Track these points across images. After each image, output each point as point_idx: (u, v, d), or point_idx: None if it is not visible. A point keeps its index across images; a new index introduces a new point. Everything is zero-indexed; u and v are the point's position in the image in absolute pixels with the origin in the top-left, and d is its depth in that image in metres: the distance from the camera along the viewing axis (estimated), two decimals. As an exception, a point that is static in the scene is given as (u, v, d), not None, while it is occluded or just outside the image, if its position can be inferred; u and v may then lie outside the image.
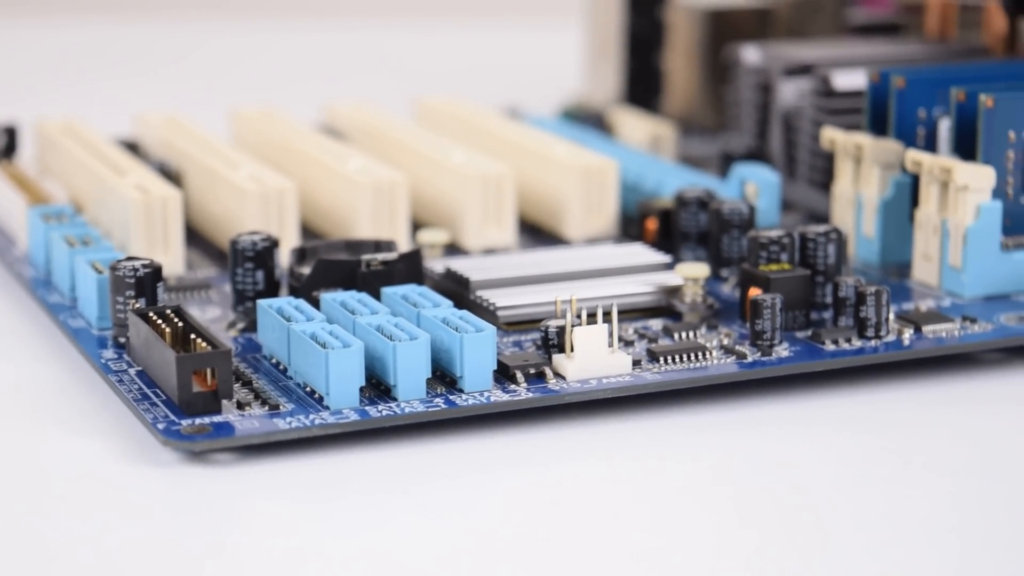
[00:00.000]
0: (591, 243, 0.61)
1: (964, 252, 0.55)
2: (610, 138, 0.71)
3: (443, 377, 0.49)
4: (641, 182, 0.64)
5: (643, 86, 0.79)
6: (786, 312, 0.52)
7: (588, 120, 0.73)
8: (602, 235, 0.62)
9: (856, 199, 0.60)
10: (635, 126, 0.72)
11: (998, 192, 0.56)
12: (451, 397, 0.48)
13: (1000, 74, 0.59)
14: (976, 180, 0.55)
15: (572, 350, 0.49)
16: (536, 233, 0.63)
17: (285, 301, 0.50)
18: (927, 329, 0.52)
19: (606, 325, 0.49)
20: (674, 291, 0.54)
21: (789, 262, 0.54)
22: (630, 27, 0.78)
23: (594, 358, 0.49)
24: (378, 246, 0.56)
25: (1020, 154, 0.56)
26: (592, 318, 0.50)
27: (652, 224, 0.60)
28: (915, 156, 0.57)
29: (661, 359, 0.50)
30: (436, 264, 0.56)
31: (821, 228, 0.54)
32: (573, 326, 0.49)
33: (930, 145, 0.59)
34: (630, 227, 0.63)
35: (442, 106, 0.71)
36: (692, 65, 0.78)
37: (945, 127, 0.58)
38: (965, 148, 0.56)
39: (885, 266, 0.59)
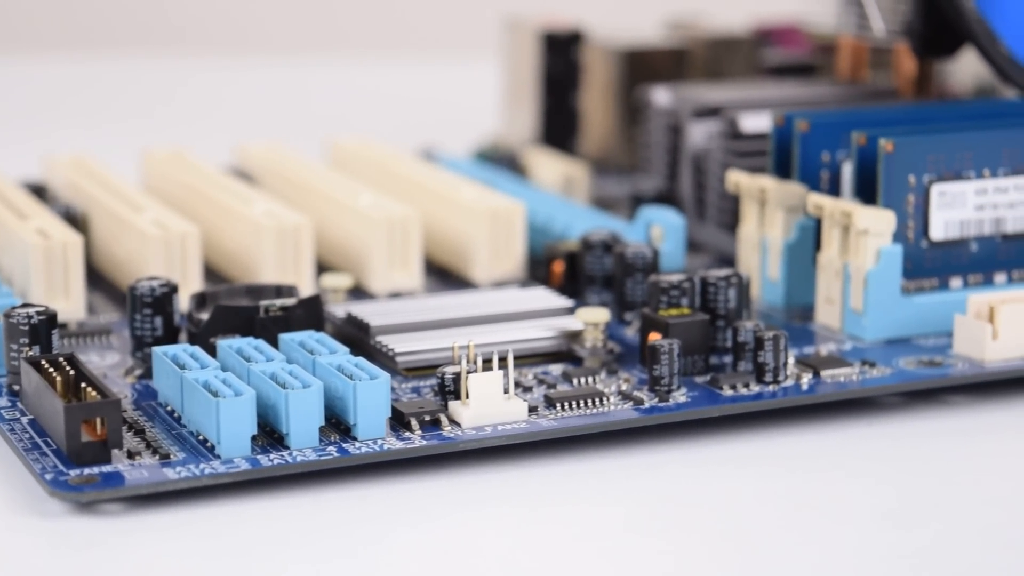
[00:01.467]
0: (498, 287, 0.61)
1: (865, 296, 0.55)
2: (523, 179, 0.71)
3: (339, 425, 0.48)
4: (550, 224, 0.63)
5: (560, 127, 0.79)
6: (685, 357, 0.52)
7: (502, 161, 0.73)
8: (509, 278, 0.62)
9: (761, 242, 0.60)
10: (548, 167, 0.72)
11: (899, 236, 0.56)
12: (344, 445, 0.47)
13: (905, 117, 0.60)
14: (876, 224, 0.55)
15: (467, 397, 0.49)
16: (444, 276, 0.63)
17: (181, 348, 0.50)
18: (826, 374, 0.52)
19: (502, 371, 0.49)
20: (575, 336, 0.54)
21: (689, 306, 0.54)
22: (546, 67, 0.78)
23: (489, 405, 0.49)
24: (279, 291, 0.55)
25: (920, 198, 0.56)
26: (488, 364, 0.49)
27: (559, 267, 0.60)
28: (817, 200, 0.57)
29: (558, 405, 0.50)
30: (338, 309, 0.56)
31: (722, 272, 0.54)
32: (468, 372, 0.49)
33: (834, 188, 0.59)
34: (538, 270, 0.62)
35: (355, 148, 0.71)
36: (608, 106, 0.78)
37: (848, 171, 0.58)
38: (867, 192, 0.57)
39: (790, 309, 0.59)
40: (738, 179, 0.60)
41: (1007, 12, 0.65)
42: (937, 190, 0.56)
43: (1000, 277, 0.58)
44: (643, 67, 0.78)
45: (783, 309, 0.59)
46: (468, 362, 0.49)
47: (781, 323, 0.58)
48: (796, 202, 0.59)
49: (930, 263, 0.57)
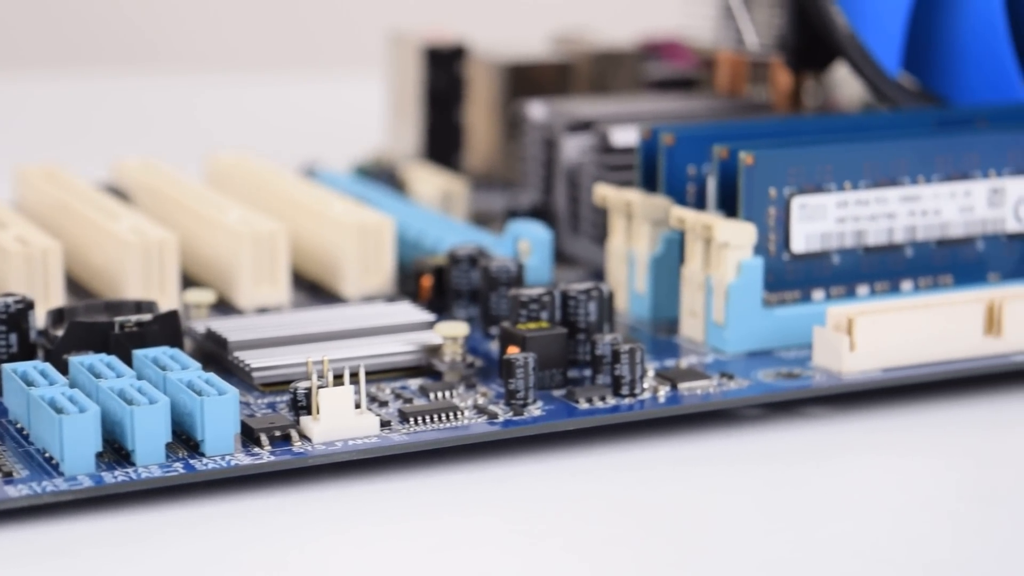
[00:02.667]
0: (367, 301, 0.61)
1: (726, 308, 0.55)
2: (401, 194, 0.71)
3: (189, 441, 0.48)
4: (422, 239, 0.63)
5: (443, 141, 0.79)
6: (542, 371, 0.52)
7: (381, 176, 0.73)
8: (379, 293, 0.62)
9: (628, 255, 0.60)
10: (427, 182, 0.71)
11: (760, 248, 0.56)
12: (191, 461, 0.47)
13: (771, 130, 0.60)
14: (737, 237, 0.55)
15: (318, 412, 0.48)
16: (315, 291, 0.63)
17: (31, 365, 0.50)
18: (683, 386, 0.53)
19: (354, 386, 0.49)
20: (434, 350, 0.54)
21: (549, 320, 0.54)
22: (429, 82, 0.78)
23: (340, 420, 0.49)
24: (139, 307, 0.55)
25: (781, 211, 0.56)
26: (340, 379, 0.49)
27: (427, 281, 0.60)
28: (679, 213, 0.57)
29: (411, 419, 0.50)
30: (199, 324, 0.55)
31: (582, 286, 0.54)
32: (319, 387, 0.49)
33: (700, 202, 0.59)
34: (408, 285, 0.62)
35: (232, 163, 0.71)
36: (492, 120, 0.78)
37: (712, 184, 0.58)
38: (729, 205, 0.57)
39: (656, 322, 0.59)
40: (605, 193, 0.60)
41: (878, 25, 0.65)
42: (798, 203, 0.56)
43: (862, 289, 0.58)
44: (527, 82, 0.78)
45: (650, 322, 0.59)
46: (319, 377, 0.49)
47: (648, 336, 0.58)
48: (661, 215, 0.59)
49: (792, 276, 0.57)
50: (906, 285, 0.58)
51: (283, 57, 1.31)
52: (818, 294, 0.57)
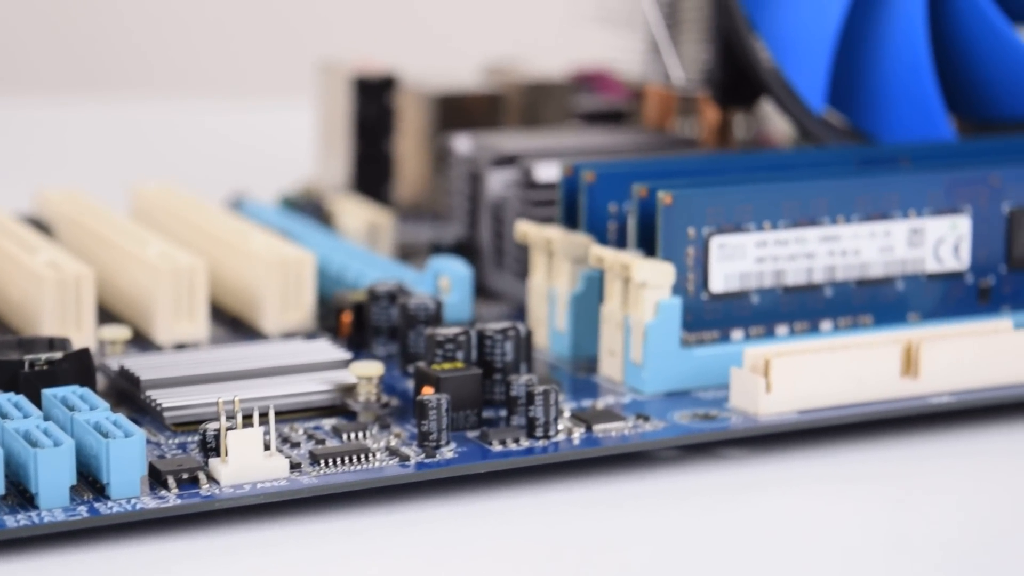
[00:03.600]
0: (287, 337, 0.60)
1: (644, 348, 0.55)
2: (326, 227, 0.71)
3: (95, 483, 0.48)
4: (344, 274, 0.63)
5: (373, 173, 0.78)
6: (456, 412, 0.52)
7: (308, 208, 0.73)
8: (300, 329, 0.61)
9: (549, 293, 0.59)
10: (354, 214, 0.71)
11: (679, 288, 0.56)
12: (96, 505, 0.46)
13: (694, 168, 0.60)
14: (655, 277, 0.55)
15: (226, 454, 0.48)
16: (236, 326, 0.62)
17: (-63, 404, 0.49)
18: (598, 428, 0.52)
19: (263, 427, 0.48)
20: (349, 390, 0.54)
21: (465, 360, 0.53)
22: (358, 112, 0.77)
23: (249, 462, 0.48)
24: (51, 344, 0.54)
25: (700, 250, 0.56)
26: (249, 420, 0.49)
27: (347, 318, 0.60)
28: (598, 252, 0.57)
29: (322, 462, 0.49)
30: (113, 362, 0.55)
31: (498, 325, 0.54)
32: (228, 429, 0.48)
33: (621, 240, 0.59)
34: (330, 320, 0.62)
35: (156, 195, 0.70)
36: (422, 152, 0.78)
37: (632, 222, 0.58)
38: (649, 244, 0.57)
39: (577, 361, 0.59)
40: (526, 230, 0.60)
41: (802, 62, 0.65)
42: (717, 243, 0.56)
43: (782, 329, 0.58)
44: (457, 113, 0.78)
45: (570, 360, 0.59)
46: (229, 418, 0.49)
47: (567, 375, 0.58)
48: (582, 253, 0.58)
49: (711, 315, 0.57)
50: (826, 325, 0.58)
51: (215, 85, 1.30)
52: (737, 334, 0.57)
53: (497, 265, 0.67)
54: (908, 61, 0.66)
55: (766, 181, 0.57)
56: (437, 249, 0.67)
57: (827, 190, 0.57)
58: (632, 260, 0.55)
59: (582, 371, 0.58)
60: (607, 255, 0.56)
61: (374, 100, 0.78)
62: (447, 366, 0.53)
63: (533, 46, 0.96)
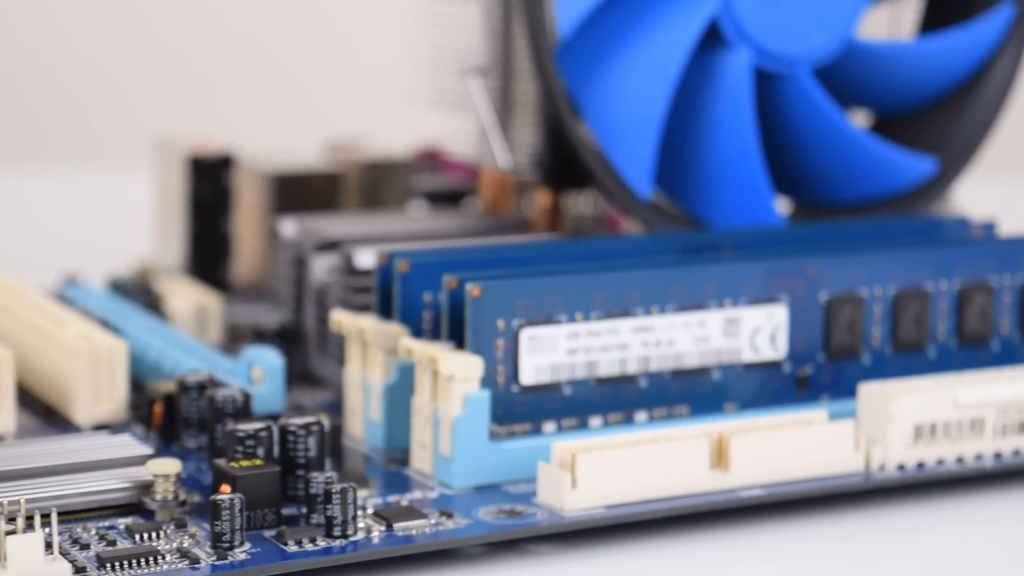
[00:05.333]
0: (96, 430, 0.59)
1: (453, 442, 0.55)
2: (154, 311, 0.69)
3: None
4: (161, 362, 0.62)
5: (210, 253, 0.77)
6: (254, 511, 0.51)
7: (137, 291, 0.71)
8: (112, 420, 0.60)
9: (364, 382, 0.59)
10: (183, 297, 0.70)
11: (488, 381, 0.55)
12: None
13: (510, 257, 0.59)
14: (463, 370, 0.54)
15: (5, 559, 0.47)
16: (50, 416, 0.61)
17: None
18: (399, 526, 0.51)
19: (46, 529, 0.47)
20: (146, 487, 0.52)
21: (266, 456, 0.52)
22: (194, 191, 0.76)
23: (29, 567, 0.47)
24: None
25: (510, 342, 0.56)
26: (30, 521, 0.48)
27: (158, 409, 0.59)
28: (407, 344, 0.56)
29: (108, 565, 0.48)
30: (-96, 459, 0.53)
31: (301, 420, 0.53)
32: (7, 532, 0.47)
33: (437, 330, 0.58)
34: (145, 411, 0.61)
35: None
36: (259, 232, 0.77)
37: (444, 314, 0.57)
38: (459, 335, 0.56)
39: (390, 453, 0.58)
40: (340, 319, 0.59)
41: (628, 146, 0.65)
42: (527, 334, 0.56)
43: (595, 421, 0.57)
44: (296, 192, 0.77)
45: (384, 452, 0.58)
46: (10, 520, 0.47)
47: (380, 468, 0.57)
48: (395, 343, 0.58)
49: (522, 408, 0.56)
50: (640, 416, 0.58)
51: (57, 156, 1.28)
52: (549, 426, 0.57)
53: (322, 351, 0.66)
54: (736, 146, 0.66)
55: (577, 272, 0.57)
56: (259, 335, 0.66)
57: (640, 280, 0.57)
58: (440, 352, 0.55)
59: (395, 463, 0.57)
60: (416, 347, 0.56)
61: (210, 179, 0.77)
62: (245, 463, 0.52)
63: (379, 125, 0.96)
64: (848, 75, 0.69)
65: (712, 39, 0.65)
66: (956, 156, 0.70)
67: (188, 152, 0.76)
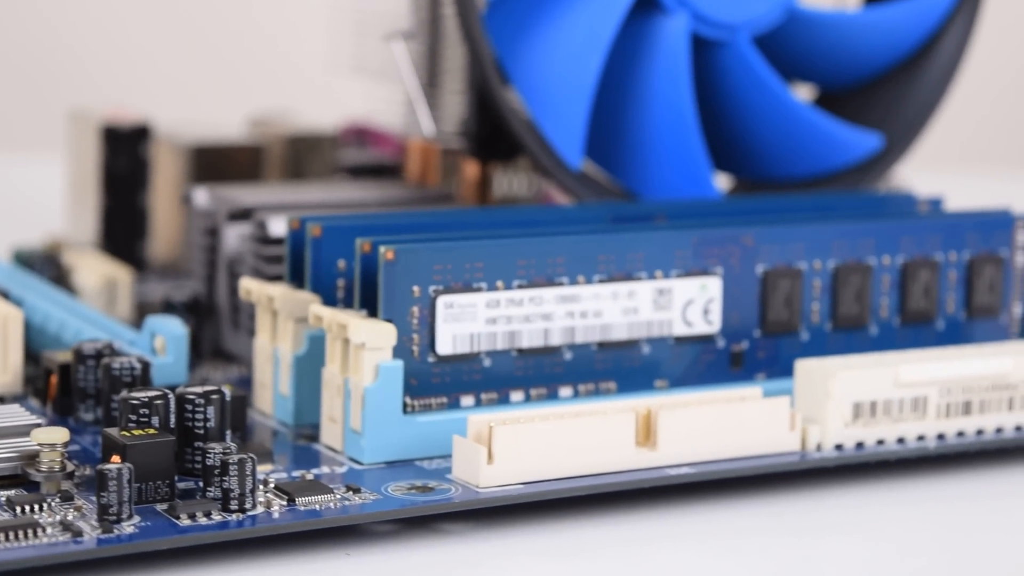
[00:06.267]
0: (-12, 401, 0.56)
1: (363, 415, 0.51)
2: (61, 285, 0.66)
3: None
4: (62, 333, 0.58)
5: (125, 227, 0.74)
6: (146, 483, 0.47)
7: (44, 265, 0.68)
8: (6, 392, 0.56)
9: (273, 354, 0.55)
10: (92, 271, 0.67)
11: (402, 350, 0.52)
12: None
13: (430, 223, 0.56)
14: (374, 338, 0.51)
15: None
16: (-57, 389, 0.58)
17: None
18: (301, 501, 0.48)
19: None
20: (31, 458, 0.49)
21: (162, 426, 0.49)
22: (108, 164, 0.73)
23: None
24: None
25: (426, 310, 0.52)
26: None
27: (54, 379, 0.55)
28: (317, 311, 0.53)
29: (-14, 538, 0.45)
30: None
31: (200, 389, 0.50)
32: None
33: (350, 300, 0.55)
34: (41, 382, 0.57)
35: None
36: (175, 205, 0.74)
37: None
38: (372, 303, 0.53)
39: (300, 427, 0.55)
40: (249, 286, 0.56)
41: (558, 116, 0.62)
42: (444, 302, 0.52)
43: (517, 395, 0.54)
44: (215, 165, 0.74)
45: (293, 427, 0.55)
46: None
47: (288, 443, 0.54)
48: (305, 312, 0.54)
49: (438, 379, 0.53)
50: (565, 391, 0.55)
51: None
52: (467, 400, 0.53)
53: (234, 325, 0.62)
54: (672, 116, 0.63)
55: (499, 237, 0.54)
56: (169, 307, 0.63)
57: (565, 247, 0.54)
58: (350, 319, 0.51)
59: (304, 439, 0.54)
60: (326, 314, 0.52)
61: (125, 151, 0.73)
62: (138, 432, 0.48)
63: (308, 100, 0.93)
64: (791, 45, 0.66)
65: (647, 3, 0.63)
66: (902, 133, 0.67)
67: (102, 122, 0.73)
